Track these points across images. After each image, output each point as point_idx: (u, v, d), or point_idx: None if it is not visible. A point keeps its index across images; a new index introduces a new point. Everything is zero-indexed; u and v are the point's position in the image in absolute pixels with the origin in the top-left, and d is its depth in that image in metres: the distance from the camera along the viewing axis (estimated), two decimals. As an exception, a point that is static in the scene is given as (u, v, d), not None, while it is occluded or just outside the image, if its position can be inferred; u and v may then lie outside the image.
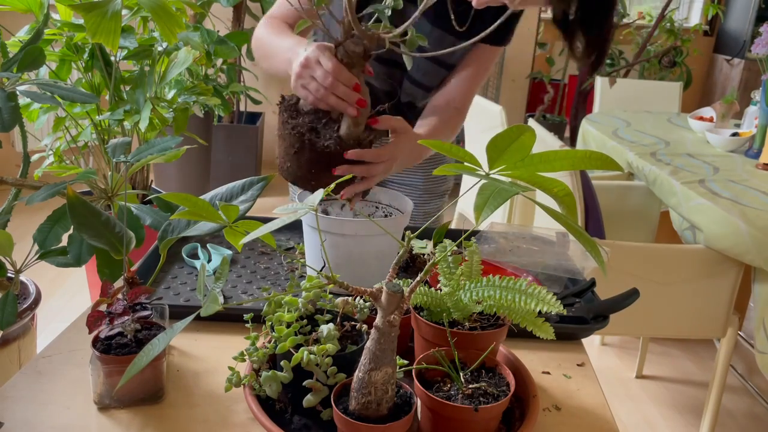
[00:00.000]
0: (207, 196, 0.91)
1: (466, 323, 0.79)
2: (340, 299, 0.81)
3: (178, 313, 0.89)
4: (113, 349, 0.77)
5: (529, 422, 0.73)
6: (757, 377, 2.53)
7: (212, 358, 0.89)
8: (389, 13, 0.86)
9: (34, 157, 1.88)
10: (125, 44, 1.84)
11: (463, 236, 0.73)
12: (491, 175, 0.58)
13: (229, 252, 1.17)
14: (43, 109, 1.91)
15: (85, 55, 1.90)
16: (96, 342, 0.77)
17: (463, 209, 2.97)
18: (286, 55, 1.03)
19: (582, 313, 1.00)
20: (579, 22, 1.09)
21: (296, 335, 0.76)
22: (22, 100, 1.79)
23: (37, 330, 1.79)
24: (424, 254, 1.12)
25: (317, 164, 0.94)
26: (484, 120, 2.72)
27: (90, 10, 1.38)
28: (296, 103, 0.97)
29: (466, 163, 0.59)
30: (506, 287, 0.74)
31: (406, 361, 0.78)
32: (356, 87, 0.91)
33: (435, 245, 1.12)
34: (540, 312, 0.71)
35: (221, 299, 1.02)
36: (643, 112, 3.06)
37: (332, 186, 0.71)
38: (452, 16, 1.13)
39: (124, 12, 1.80)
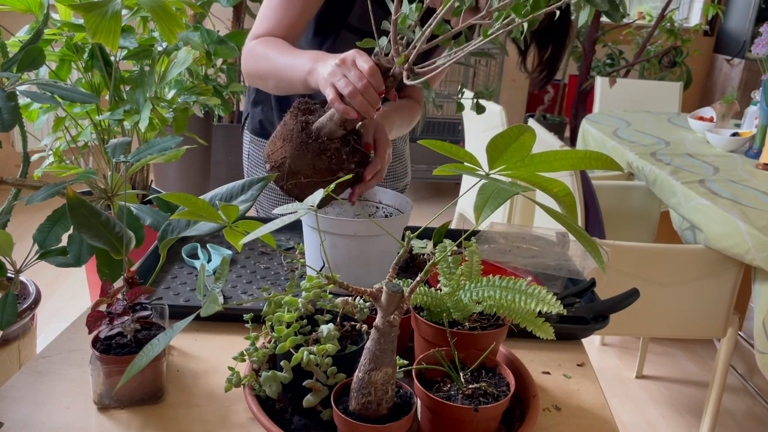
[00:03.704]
0: (207, 196, 0.91)
1: (466, 323, 0.79)
2: (340, 299, 0.81)
3: (178, 313, 0.89)
4: (113, 349, 0.77)
5: (529, 422, 0.73)
6: (757, 377, 2.53)
7: (212, 358, 0.89)
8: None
9: (34, 157, 1.88)
10: (125, 44, 1.84)
11: (463, 236, 0.73)
12: (491, 175, 0.58)
13: (229, 252, 1.17)
14: (43, 109, 1.91)
15: (85, 55, 1.90)
16: (96, 342, 0.77)
17: (463, 209, 2.97)
18: (305, 66, 1.02)
19: (582, 313, 1.00)
20: (534, 40, 1.12)
21: (296, 335, 0.76)
22: (22, 100, 1.79)
23: (37, 330, 1.79)
24: (423, 254, 1.12)
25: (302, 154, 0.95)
26: (484, 120, 2.72)
27: (90, 10, 1.38)
28: (308, 108, 0.99)
29: (466, 163, 0.59)
30: (506, 287, 0.74)
31: (406, 361, 0.78)
32: (380, 93, 0.91)
33: (435, 245, 1.12)
34: (540, 312, 0.71)
35: (221, 299, 1.02)
36: (643, 112, 3.06)
37: (332, 186, 0.71)
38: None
39: (124, 12, 1.80)
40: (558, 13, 1.07)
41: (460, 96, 1.14)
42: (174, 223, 0.92)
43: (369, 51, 0.93)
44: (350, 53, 0.93)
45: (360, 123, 1.01)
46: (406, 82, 0.87)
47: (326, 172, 0.96)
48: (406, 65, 0.87)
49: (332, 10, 1.21)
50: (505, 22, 0.77)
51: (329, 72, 0.93)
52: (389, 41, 0.89)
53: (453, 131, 4.31)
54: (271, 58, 1.10)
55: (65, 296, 2.71)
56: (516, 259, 1.09)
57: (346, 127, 0.95)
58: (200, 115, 2.33)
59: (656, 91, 3.53)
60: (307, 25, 1.20)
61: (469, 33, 0.87)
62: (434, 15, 0.83)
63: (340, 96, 0.92)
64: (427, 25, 0.83)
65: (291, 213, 0.63)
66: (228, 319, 0.95)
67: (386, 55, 0.91)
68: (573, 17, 1.11)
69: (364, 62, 0.90)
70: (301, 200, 0.99)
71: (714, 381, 1.96)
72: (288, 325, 0.78)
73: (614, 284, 1.82)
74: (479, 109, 0.98)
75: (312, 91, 1.04)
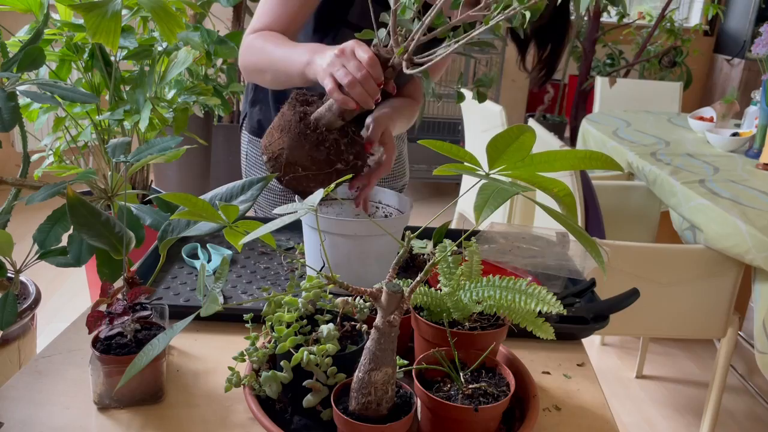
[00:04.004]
0: (207, 196, 0.91)
1: (466, 323, 0.79)
2: (340, 299, 0.81)
3: (178, 313, 0.89)
4: (113, 349, 0.77)
5: (529, 422, 0.73)
6: (757, 377, 2.53)
7: (212, 358, 0.89)
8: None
9: (34, 157, 1.88)
10: (125, 44, 1.84)
11: (463, 236, 0.73)
12: (491, 175, 0.58)
13: (229, 252, 1.17)
14: (43, 109, 1.91)
15: (85, 55, 1.90)
16: (96, 342, 0.77)
17: (463, 209, 2.97)
18: (302, 58, 1.01)
19: (582, 313, 1.00)
20: (533, 38, 1.12)
21: (296, 335, 0.76)
22: (22, 100, 1.79)
23: (37, 330, 1.79)
24: (423, 254, 1.12)
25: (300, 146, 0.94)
26: (484, 120, 2.72)
27: (90, 10, 1.38)
28: (307, 100, 0.98)
29: (466, 163, 0.59)
30: (506, 287, 0.74)
31: (406, 361, 0.78)
32: (380, 84, 0.90)
33: (435, 245, 1.12)
34: (540, 312, 0.71)
35: (221, 299, 1.02)
36: (643, 112, 3.06)
37: (332, 186, 0.71)
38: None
39: (124, 12, 1.80)
40: (556, 11, 1.07)
41: (459, 86, 1.14)
42: (174, 223, 0.92)
43: (368, 43, 0.93)
44: (349, 43, 0.92)
45: (367, 120, 1.00)
46: (406, 71, 0.86)
47: (324, 164, 0.94)
48: (405, 55, 0.86)
49: (332, 6, 1.21)
50: (506, 12, 0.77)
51: (328, 62, 0.93)
52: (388, 33, 0.89)
53: (453, 131, 4.31)
54: (269, 51, 1.10)
55: (65, 296, 2.71)
56: (516, 259, 1.09)
57: (344, 117, 0.94)
58: (200, 115, 2.33)
59: (656, 91, 3.53)
60: (306, 22, 1.21)
61: (468, 26, 0.87)
62: (433, 6, 0.83)
63: (339, 86, 0.91)
64: (426, 15, 0.83)
65: (291, 213, 0.63)
66: (228, 319, 0.95)
67: (385, 46, 0.91)
68: (572, 17, 1.11)
69: (363, 52, 0.90)
70: (299, 192, 0.99)
71: (714, 381, 1.96)
72: (288, 325, 0.78)
73: (614, 284, 1.82)
74: (481, 98, 0.97)
75: (310, 84, 1.03)
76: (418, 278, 0.65)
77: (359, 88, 0.89)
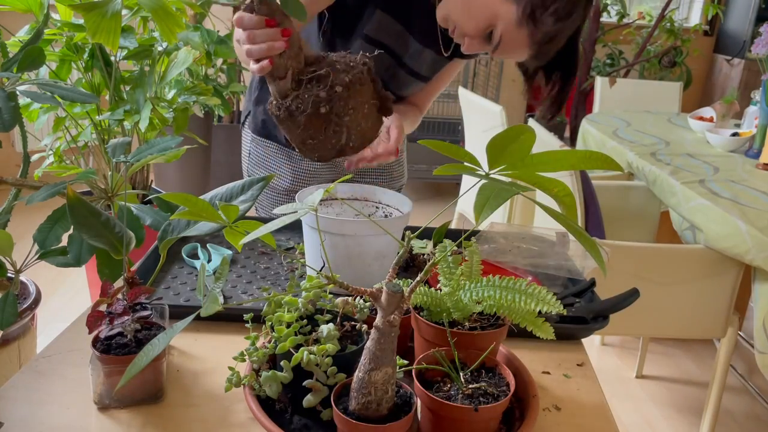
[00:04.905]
0: (207, 196, 0.91)
1: (466, 323, 0.79)
2: (340, 299, 0.81)
3: (178, 313, 0.89)
4: (113, 349, 0.77)
5: (529, 422, 0.73)
6: (757, 377, 2.52)
7: (212, 358, 0.89)
8: None
9: (34, 157, 1.88)
10: (125, 44, 1.84)
11: (463, 236, 0.73)
12: (491, 175, 0.58)
13: (229, 252, 1.17)
14: (43, 109, 1.91)
15: (85, 55, 1.90)
16: (96, 342, 0.77)
17: (463, 209, 2.97)
18: None
19: (582, 313, 1.00)
20: (543, 74, 1.11)
21: (296, 335, 0.76)
22: (22, 100, 1.79)
23: (37, 330, 1.79)
24: (423, 254, 1.13)
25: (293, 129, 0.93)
26: (484, 120, 2.72)
27: (90, 10, 1.38)
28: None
29: (466, 163, 0.59)
30: (506, 287, 0.74)
31: (406, 361, 0.78)
32: (268, 23, 0.86)
33: (435, 245, 1.12)
34: (540, 312, 0.71)
35: (221, 299, 1.01)
36: (643, 112, 3.06)
37: (332, 186, 0.71)
38: (440, 39, 1.22)
39: (124, 12, 1.80)
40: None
41: None
42: (174, 223, 0.92)
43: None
44: None
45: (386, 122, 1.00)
46: None
47: (305, 121, 0.90)
48: None
49: (343, 17, 1.20)
50: None
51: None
52: None
53: (453, 131, 4.31)
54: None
55: (65, 296, 2.71)
56: (516, 259, 1.09)
57: (278, 76, 0.90)
58: (200, 115, 2.33)
59: (656, 91, 3.52)
60: (324, 36, 1.21)
61: None
62: None
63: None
64: None
65: (291, 213, 0.64)
66: (228, 319, 0.95)
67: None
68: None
69: (235, 16, 0.88)
70: (327, 157, 0.96)
71: (714, 381, 1.96)
72: (288, 325, 0.78)
73: (614, 284, 1.81)
74: None
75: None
76: (418, 278, 0.65)
77: (254, 47, 0.86)
